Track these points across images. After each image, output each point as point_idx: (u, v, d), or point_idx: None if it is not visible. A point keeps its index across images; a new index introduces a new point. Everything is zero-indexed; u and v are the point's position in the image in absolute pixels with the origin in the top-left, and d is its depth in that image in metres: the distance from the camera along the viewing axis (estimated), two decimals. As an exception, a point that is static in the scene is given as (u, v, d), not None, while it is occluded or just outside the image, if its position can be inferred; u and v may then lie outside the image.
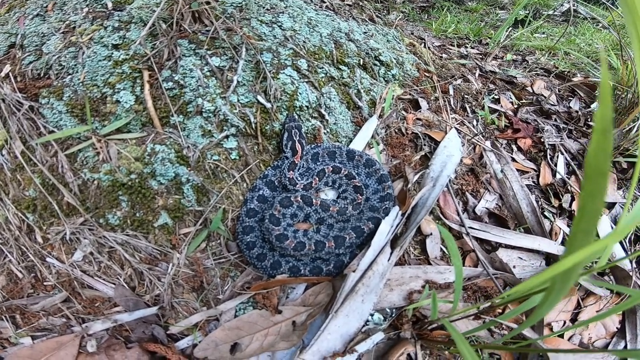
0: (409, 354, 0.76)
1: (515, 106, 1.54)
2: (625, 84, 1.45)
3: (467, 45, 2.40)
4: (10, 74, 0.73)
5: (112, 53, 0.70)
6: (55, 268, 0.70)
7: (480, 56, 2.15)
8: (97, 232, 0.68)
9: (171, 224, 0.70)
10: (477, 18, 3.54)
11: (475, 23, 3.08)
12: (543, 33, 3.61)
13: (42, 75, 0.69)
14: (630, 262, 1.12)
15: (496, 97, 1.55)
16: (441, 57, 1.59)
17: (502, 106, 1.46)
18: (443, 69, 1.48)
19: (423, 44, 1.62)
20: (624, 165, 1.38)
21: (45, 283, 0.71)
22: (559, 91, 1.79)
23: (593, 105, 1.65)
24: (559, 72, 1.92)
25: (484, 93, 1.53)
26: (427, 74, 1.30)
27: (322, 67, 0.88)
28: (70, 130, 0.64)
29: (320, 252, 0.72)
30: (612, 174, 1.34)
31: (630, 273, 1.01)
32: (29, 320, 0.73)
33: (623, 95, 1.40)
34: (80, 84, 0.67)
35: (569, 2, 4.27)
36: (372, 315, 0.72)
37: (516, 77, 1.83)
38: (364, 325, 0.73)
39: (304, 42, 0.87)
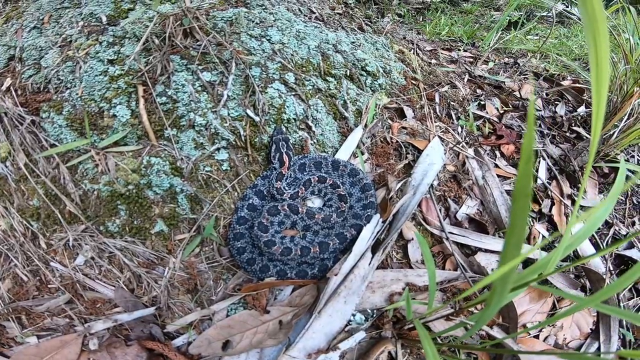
0: (389, 352, 0.83)
1: (501, 112, 1.60)
2: (610, 88, 1.52)
3: (459, 48, 2.47)
4: (12, 88, 0.78)
5: (108, 68, 0.76)
6: (59, 272, 0.76)
7: (471, 60, 2.21)
8: (98, 238, 0.74)
9: (167, 230, 0.77)
10: (471, 20, 3.61)
11: (469, 25, 3.15)
12: (536, 35, 3.67)
13: (41, 89, 0.75)
14: (606, 264, 1.19)
15: (482, 103, 1.62)
16: (430, 63, 1.65)
17: (487, 112, 1.53)
18: (431, 76, 1.54)
19: (413, 51, 1.68)
20: (606, 170, 1.46)
21: (49, 286, 0.77)
22: (547, 95, 1.86)
23: (579, 110, 1.72)
24: (549, 76, 1.99)
25: (470, 99, 1.60)
26: (414, 82, 1.36)
27: (310, 80, 0.94)
28: (70, 144, 0.71)
29: (306, 257, 0.79)
30: (593, 179, 1.42)
31: (604, 276, 1.09)
32: (34, 320, 0.79)
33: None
34: (79, 99, 0.74)
35: (563, 3, 4.36)
36: (354, 315, 0.79)
37: (504, 82, 1.90)
38: (346, 325, 0.80)
39: (292, 55, 0.93)
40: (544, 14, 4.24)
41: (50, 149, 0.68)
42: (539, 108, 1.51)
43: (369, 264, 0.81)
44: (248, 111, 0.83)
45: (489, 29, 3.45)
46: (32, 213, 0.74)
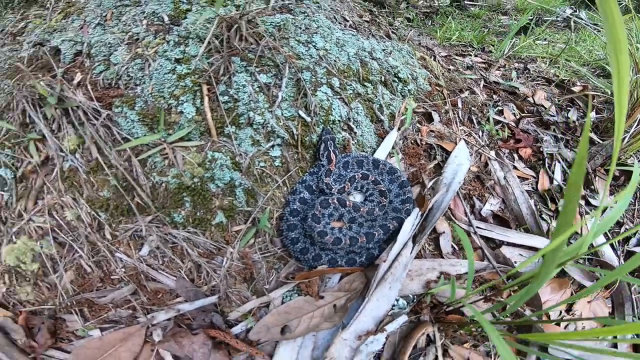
0: (427, 335, 0.92)
1: (517, 117, 1.75)
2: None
3: (470, 54, 2.63)
4: (83, 83, 0.86)
5: (175, 67, 0.85)
6: (123, 262, 0.83)
7: (484, 65, 2.37)
8: (163, 229, 0.82)
9: (225, 222, 0.85)
10: (479, 24, 3.80)
11: (479, 30, 3.33)
12: (545, 40, 3.87)
13: (112, 84, 0.83)
14: (618, 259, 1.33)
15: (500, 108, 1.77)
16: (449, 69, 1.79)
17: (505, 117, 1.67)
18: (451, 82, 1.68)
19: (433, 57, 1.82)
20: (616, 173, 1.61)
21: (112, 277, 0.84)
22: (559, 101, 2.03)
23: (591, 115, 1.88)
24: (559, 82, 2.16)
25: (488, 105, 1.75)
26: (438, 88, 1.49)
27: (350, 85, 1.05)
28: (143, 138, 0.78)
29: (354, 247, 0.89)
30: (604, 181, 1.57)
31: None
32: (96, 313, 0.85)
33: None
34: (150, 95, 0.82)
35: (571, 8, 4.58)
36: (397, 300, 0.88)
37: (518, 88, 2.06)
38: (390, 309, 0.89)
39: (335, 61, 1.04)
40: (553, 18, 4.47)
41: (128, 143, 0.75)
42: (552, 114, 1.66)
43: (410, 253, 0.92)
44: (300, 112, 0.93)
45: (497, 34, 3.65)
46: (102, 204, 0.81)
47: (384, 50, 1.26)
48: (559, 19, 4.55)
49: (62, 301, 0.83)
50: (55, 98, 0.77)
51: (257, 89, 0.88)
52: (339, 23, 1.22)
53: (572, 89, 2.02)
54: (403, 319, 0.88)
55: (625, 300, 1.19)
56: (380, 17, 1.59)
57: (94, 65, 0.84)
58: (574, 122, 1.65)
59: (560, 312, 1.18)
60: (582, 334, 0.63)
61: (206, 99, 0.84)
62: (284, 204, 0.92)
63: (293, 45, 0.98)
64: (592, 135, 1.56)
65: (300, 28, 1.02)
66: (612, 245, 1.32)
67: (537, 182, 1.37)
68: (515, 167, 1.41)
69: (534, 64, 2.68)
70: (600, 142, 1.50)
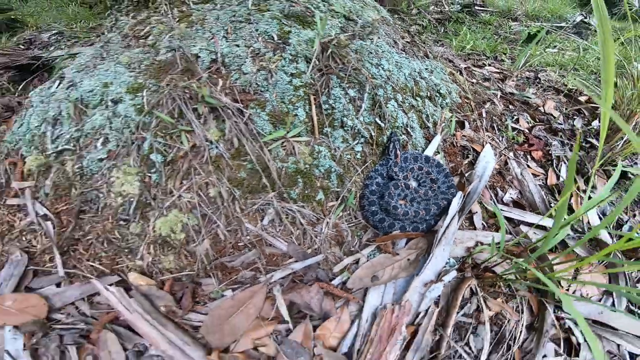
0: (471, 288, 1.32)
1: (531, 125, 2.23)
2: (620, 108, 2.19)
3: (485, 63, 3.14)
4: (223, 87, 1.23)
5: (292, 80, 1.21)
6: (249, 231, 1.19)
7: (500, 76, 2.88)
8: (281, 203, 1.19)
9: (323, 199, 1.23)
10: (491, 31, 4.31)
11: (490, 38, 3.84)
12: (555, 47, 4.39)
13: (245, 90, 1.21)
14: (612, 239, 1.78)
15: (516, 117, 2.24)
16: (472, 83, 2.26)
17: (520, 125, 2.14)
18: (475, 95, 2.14)
19: (459, 72, 2.29)
20: (612, 173, 2.10)
21: (239, 244, 1.20)
22: (566, 109, 2.53)
23: (593, 123, 2.38)
24: (567, 91, 2.67)
25: (506, 114, 2.22)
26: (466, 100, 1.94)
27: (408, 99, 1.47)
28: (275, 134, 1.16)
29: (416, 218, 1.28)
30: (602, 179, 2.04)
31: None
32: (227, 276, 1.19)
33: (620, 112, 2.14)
34: (274, 101, 1.19)
35: (581, 14, 5.15)
36: (449, 260, 1.28)
37: (530, 99, 2.56)
38: (444, 266, 1.28)
39: (397, 80, 1.45)
40: (563, 24, 4.95)
41: (267, 136, 1.13)
42: (560, 122, 2.15)
43: (457, 224, 1.32)
44: (376, 119, 1.33)
45: (509, 41, 4.15)
46: (238, 183, 1.18)
47: (426, 69, 1.70)
48: (569, 25, 5.12)
49: (201, 266, 1.18)
50: (210, 98, 1.14)
51: (348, 101, 1.28)
52: (393, 47, 1.65)
53: (579, 98, 2.53)
54: (453, 273, 1.27)
55: (619, 274, 1.64)
56: (416, 37, 2.05)
57: (230, 73, 1.19)
58: (578, 129, 2.14)
59: (568, 280, 1.61)
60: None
61: (313, 106, 1.23)
62: (363, 186, 1.32)
63: (368, 67, 1.39)
64: (594, 140, 2.04)
65: (372, 53, 1.43)
66: (609, 234, 1.78)
67: (546, 178, 1.83)
68: (529, 166, 1.87)
69: (545, 73, 3.22)
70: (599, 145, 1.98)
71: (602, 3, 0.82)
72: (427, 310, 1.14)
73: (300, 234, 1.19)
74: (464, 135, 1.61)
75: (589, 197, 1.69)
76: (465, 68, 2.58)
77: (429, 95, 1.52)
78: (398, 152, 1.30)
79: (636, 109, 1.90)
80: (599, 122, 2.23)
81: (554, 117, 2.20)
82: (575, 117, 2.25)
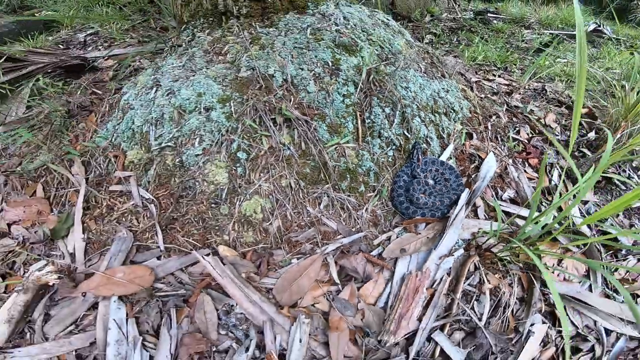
0: (474, 263, 1.86)
1: (530, 136, 2.81)
2: (609, 122, 2.79)
3: (495, 75, 3.73)
4: (294, 102, 1.76)
5: (344, 99, 1.69)
6: (309, 213, 1.72)
7: (508, 89, 3.46)
8: (334, 193, 1.72)
9: (364, 190, 1.76)
10: (502, 39, 4.84)
11: (502, 48, 4.39)
12: (565, 58, 4.94)
13: (310, 106, 1.73)
14: (592, 233, 2.35)
15: (517, 129, 2.81)
16: (481, 98, 2.82)
17: (520, 136, 2.71)
18: (483, 109, 2.70)
19: (470, 88, 2.85)
20: (599, 179, 2.69)
21: (301, 223, 1.73)
22: (566, 121, 3.12)
23: (589, 135, 2.98)
24: (570, 102, 3.26)
25: (509, 127, 2.79)
26: (475, 114, 2.49)
27: (428, 115, 2.01)
28: (332, 141, 1.68)
29: (434, 207, 1.82)
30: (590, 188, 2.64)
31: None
32: (293, 248, 1.70)
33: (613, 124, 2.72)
34: (332, 115, 1.72)
35: (595, 22, 5.74)
36: (457, 241, 1.82)
37: (533, 111, 3.15)
38: (454, 245, 1.83)
39: (420, 100, 2.00)
40: (575, 32, 5.50)
41: (329, 144, 1.67)
42: (557, 134, 2.73)
43: (464, 213, 1.87)
44: (405, 131, 1.88)
45: (520, 50, 4.69)
46: (304, 176, 1.70)
47: (443, 89, 2.25)
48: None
49: (273, 240, 1.70)
50: (286, 111, 1.66)
51: (384, 117, 1.82)
52: (417, 70, 2.20)
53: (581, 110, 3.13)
54: (461, 251, 1.80)
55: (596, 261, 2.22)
56: (434, 57, 2.60)
57: (298, 91, 1.67)
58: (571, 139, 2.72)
59: (553, 264, 2.18)
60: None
61: (359, 120, 1.77)
62: (393, 182, 1.86)
63: (399, 89, 1.92)
64: (586, 150, 2.63)
65: (402, 78, 1.97)
66: (588, 226, 2.36)
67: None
68: (525, 171, 2.44)
69: (552, 84, 3.80)
70: (590, 155, 2.57)
71: (584, 39, 1.35)
72: (441, 278, 1.67)
73: (347, 217, 1.72)
74: (471, 145, 2.16)
75: (574, 196, 2.28)
76: (476, 82, 3.14)
77: (445, 111, 2.07)
78: (420, 157, 1.84)
79: (621, 123, 2.49)
80: (595, 133, 2.83)
81: (552, 129, 2.79)
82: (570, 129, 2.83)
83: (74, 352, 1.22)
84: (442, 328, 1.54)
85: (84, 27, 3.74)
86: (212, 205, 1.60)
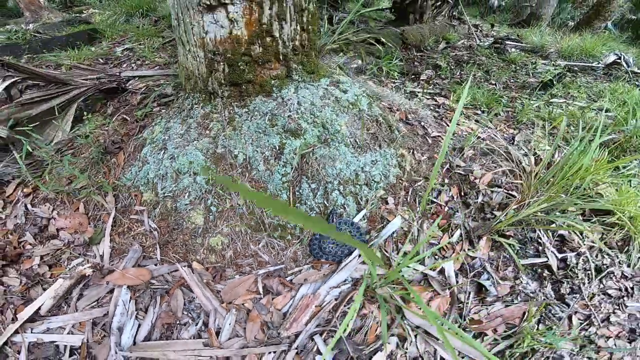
0: (352, 297, 3.37)
1: (449, 199, 4.03)
2: (523, 189, 3.94)
3: (470, 119, 4.79)
4: (249, 177, 3.23)
5: (282, 178, 2.94)
6: (252, 249, 3.26)
7: (457, 144, 4.55)
8: (268, 239, 3.22)
9: (290, 238, 3.24)
10: (508, 73, 5.59)
11: (490, 91, 5.30)
12: (569, 95, 5.71)
13: (259, 181, 3.17)
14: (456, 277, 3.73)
15: (440, 191, 4.02)
16: (419, 161, 4.00)
17: (439, 200, 3.93)
18: (414, 173, 3.91)
19: (412, 151, 4.03)
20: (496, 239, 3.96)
21: (246, 254, 3.29)
22: (503, 182, 4.28)
23: (496, 198, 4.14)
24: (523, 163, 4.37)
25: (435, 189, 4.00)
26: (400, 181, 3.74)
27: (349, 187, 3.33)
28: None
29: (336, 255, 3.30)
30: (489, 244, 3.93)
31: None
32: (238, 269, 3.30)
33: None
34: (272, 189, 3.17)
35: (615, 54, 6.28)
36: (348, 278, 3.30)
37: (472, 172, 4.31)
38: (343, 281, 3.32)
39: (343, 176, 3.29)
40: (595, 64, 6.11)
41: (267, 207, 3.13)
42: (475, 197, 3.97)
43: (357, 260, 3.32)
44: (325, 201, 3.24)
45: (521, 87, 5.56)
46: (250, 226, 3.22)
47: (372, 161, 3.51)
48: (600, 65, 6.30)
49: (227, 262, 3.30)
50: (241, 185, 3.14)
51: (309, 191, 3.19)
52: (351, 146, 3.48)
53: (522, 171, 4.26)
54: (348, 285, 3.29)
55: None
56: (390, 122, 3.77)
57: (252, 170, 3.00)
58: (486, 202, 3.96)
59: (424, 302, 3.63)
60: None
61: (291, 193, 3.15)
62: (312, 235, 3.31)
63: (326, 168, 3.25)
64: (496, 213, 3.89)
65: (330, 157, 3.29)
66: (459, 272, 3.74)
67: (440, 238, 3.75)
68: (430, 229, 3.77)
69: (528, 132, 4.84)
70: (496, 217, 3.83)
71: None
72: (328, 302, 3.20)
73: (276, 254, 3.24)
74: (385, 209, 3.50)
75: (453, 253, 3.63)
76: (434, 137, 4.33)
77: (366, 182, 3.41)
78: (334, 219, 3.25)
79: (529, 193, 3.70)
80: (507, 198, 4.02)
81: (477, 192, 4.01)
82: (498, 190, 4.05)
83: (91, 320, 2.79)
84: (321, 333, 3.12)
85: (122, 40, 5.15)
86: (192, 237, 3.19)
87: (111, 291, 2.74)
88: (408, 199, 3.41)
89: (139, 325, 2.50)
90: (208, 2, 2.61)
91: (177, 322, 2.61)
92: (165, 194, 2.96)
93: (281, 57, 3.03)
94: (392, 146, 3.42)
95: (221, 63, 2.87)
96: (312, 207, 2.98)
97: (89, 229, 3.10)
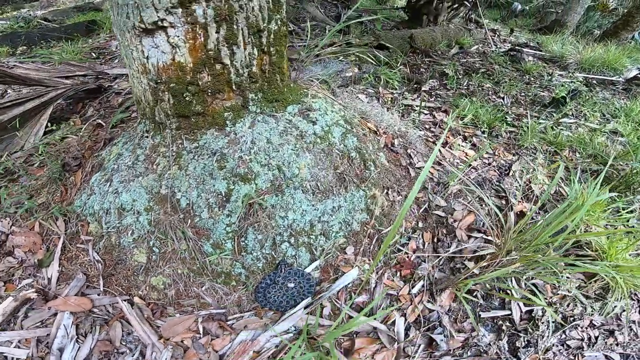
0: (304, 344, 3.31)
1: (416, 247, 3.70)
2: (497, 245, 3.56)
3: (468, 142, 4.24)
4: (191, 225, 3.02)
5: (226, 227, 2.72)
6: (194, 290, 3.18)
7: (445, 175, 4.06)
8: (211, 283, 3.11)
9: (235, 284, 3.13)
10: (520, 86, 4.81)
11: (493, 110, 4.56)
12: (581, 113, 4.91)
13: (202, 228, 2.97)
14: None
15: (409, 238, 3.67)
16: (392, 202, 3.60)
17: (405, 248, 3.62)
18: (384, 218, 3.55)
19: (386, 192, 3.62)
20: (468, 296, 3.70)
21: (189, 295, 3.22)
22: (484, 225, 3.88)
23: (472, 244, 3.78)
24: (510, 200, 3.92)
25: (404, 234, 3.66)
26: (365, 227, 3.41)
27: (303, 238, 3.08)
28: (213, 255, 2.95)
29: (280, 305, 3.18)
30: (450, 298, 3.68)
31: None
32: (179, 307, 3.25)
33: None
34: (216, 237, 2.98)
35: (638, 68, 5.26)
36: (292, 327, 3.22)
37: (453, 213, 3.89)
38: (287, 330, 3.25)
39: (297, 226, 3.02)
40: (615, 77, 5.26)
41: (210, 256, 2.97)
42: (447, 245, 3.63)
43: (302, 311, 3.21)
44: (273, 252, 3.04)
45: (529, 104, 4.84)
46: (192, 270, 3.10)
47: (332, 208, 3.20)
48: (620, 79, 5.33)
49: (169, 300, 3.25)
50: (185, 229, 2.94)
51: (256, 242, 2.95)
52: (310, 192, 3.14)
53: (510, 210, 3.85)
54: (290, 335, 3.23)
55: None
56: (365, 157, 3.35)
57: (195, 216, 2.87)
58: (461, 253, 3.63)
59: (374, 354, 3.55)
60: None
61: (236, 242, 2.96)
62: (259, 282, 3.16)
63: (276, 219, 2.98)
64: (468, 263, 3.58)
65: (283, 207, 3.00)
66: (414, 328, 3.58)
67: (400, 289, 3.52)
68: (392, 280, 3.54)
69: (528, 159, 4.29)
70: (469, 268, 3.53)
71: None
72: (268, 348, 3.15)
73: (219, 297, 3.15)
74: (343, 259, 3.25)
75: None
76: (418, 168, 3.87)
77: (322, 232, 3.14)
78: (283, 269, 3.07)
79: (502, 252, 3.35)
80: (478, 248, 3.67)
81: (452, 239, 3.65)
82: (478, 235, 3.69)
83: (35, 338, 2.74)
84: (259, 377, 3.10)
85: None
86: (135, 273, 3.11)
87: (55, 314, 2.82)
88: (371, 247, 3.13)
89: (79, 348, 2.60)
90: (143, 26, 2.20)
91: (115, 351, 2.69)
92: (109, 229, 2.82)
93: (234, 86, 2.64)
94: (363, 186, 3.06)
95: (166, 92, 2.52)
96: (258, 257, 2.78)
97: (41, 251, 3.06)
